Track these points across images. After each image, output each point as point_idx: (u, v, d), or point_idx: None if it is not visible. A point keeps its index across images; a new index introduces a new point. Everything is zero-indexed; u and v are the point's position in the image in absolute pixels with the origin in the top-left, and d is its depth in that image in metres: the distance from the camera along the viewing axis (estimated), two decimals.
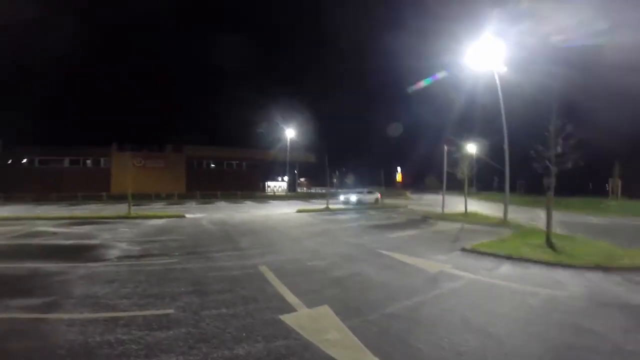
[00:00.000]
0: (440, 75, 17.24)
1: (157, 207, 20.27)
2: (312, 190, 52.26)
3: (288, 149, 41.25)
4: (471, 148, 19.48)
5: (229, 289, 4.63)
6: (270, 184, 53.17)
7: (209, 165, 45.59)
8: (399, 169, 60.38)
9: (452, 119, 28.88)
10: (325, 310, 3.83)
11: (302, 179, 58.62)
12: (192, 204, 24.59)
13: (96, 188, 33.31)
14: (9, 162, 36.85)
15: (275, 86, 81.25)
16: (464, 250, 7.47)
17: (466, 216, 15.27)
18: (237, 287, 4.73)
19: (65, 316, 3.48)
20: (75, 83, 70.76)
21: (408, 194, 43.25)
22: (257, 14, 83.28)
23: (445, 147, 17.50)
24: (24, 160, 38.27)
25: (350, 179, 59.70)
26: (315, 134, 44.42)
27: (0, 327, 3.26)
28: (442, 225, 12.82)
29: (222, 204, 25.43)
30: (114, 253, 6.92)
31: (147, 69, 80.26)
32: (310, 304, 4.03)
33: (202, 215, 15.59)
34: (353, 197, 24.51)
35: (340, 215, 16.36)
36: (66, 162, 38.68)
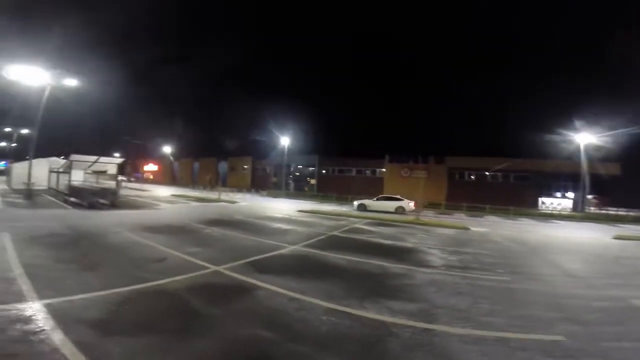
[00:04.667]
0: None
1: (431, 215, 21.15)
2: (610, 212, 38.30)
3: (582, 156, 32.20)
4: None
5: (616, 321, 3.96)
6: (545, 201, 43.88)
7: (470, 176, 43.70)
8: None
9: None
10: None
11: (590, 196, 44.71)
12: (461, 216, 24.07)
13: (373, 193, 39.64)
14: (322, 171, 51.16)
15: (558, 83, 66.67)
16: None
17: None
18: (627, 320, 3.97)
19: (453, 330, 3.62)
20: (357, 107, 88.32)
21: None
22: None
23: None
24: (324, 171, 51.70)
25: None
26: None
27: (400, 335, 3.49)
28: None
29: (494, 219, 23.25)
30: (435, 260, 7.36)
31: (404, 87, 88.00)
32: None
33: (485, 230, 14.65)
34: (355, 202, 23.39)
35: None
36: (353, 172, 48.89)
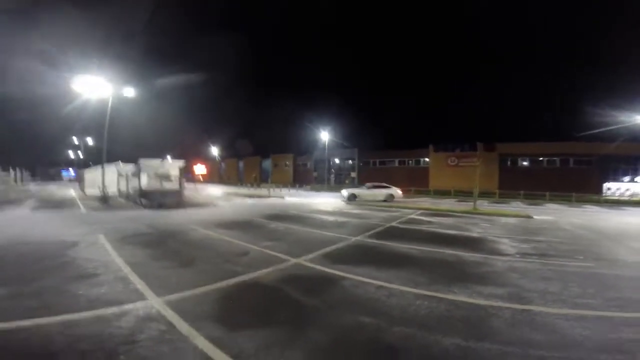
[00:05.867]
0: None
1: (486, 205, 20.39)
2: None
3: None
4: None
5: None
6: (611, 186, 40.15)
7: (523, 162, 41.19)
8: None
9: None
10: None
11: None
12: (518, 204, 22.92)
13: (417, 184, 39.01)
14: (361, 164, 50.97)
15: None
16: None
17: None
18: None
19: (551, 310, 3.70)
20: (393, 96, 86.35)
21: None
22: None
23: None
24: (362, 164, 51.44)
25: None
26: None
27: (500, 315, 3.69)
28: None
29: (556, 206, 21.85)
30: (508, 249, 7.25)
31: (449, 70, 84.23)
32: None
33: (550, 218, 13.91)
34: (345, 192, 21.81)
35: None
36: (395, 163, 48.11)
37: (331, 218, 12.41)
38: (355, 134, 58.34)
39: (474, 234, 9.23)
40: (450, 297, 4.16)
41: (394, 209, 16.60)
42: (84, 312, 3.56)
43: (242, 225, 10.22)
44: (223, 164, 72.11)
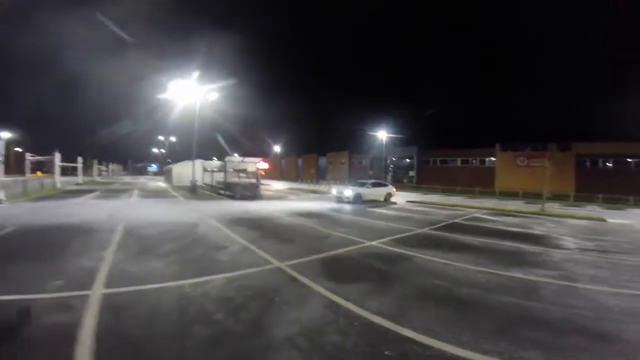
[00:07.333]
0: None
1: (556, 207, 19.60)
2: None
3: None
4: None
5: None
6: None
7: (605, 164, 37.30)
8: None
9: None
10: None
11: None
12: (595, 208, 21.45)
13: (482, 184, 37.66)
14: (421, 162, 50.42)
15: None
16: None
17: None
18: None
19: (594, 287, 4.52)
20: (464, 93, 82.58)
21: None
22: None
23: None
24: (423, 163, 50.68)
25: None
26: None
27: (548, 287, 4.72)
28: None
29: (639, 211, 20.11)
30: (569, 245, 7.76)
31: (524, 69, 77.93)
32: None
33: (627, 221, 13.36)
34: (348, 192, 17.83)
35: None
36: (458, 162, 46.74)
37: (393, 213, 13.40)
38: (414, 132, 57.56)
39: (538, 232, 9.66)
40: (506, 273, 5.13)
41: (458, 207, 17.00)
42: (235, 271, 4.80)
43: (316, 215, 11.74)
44: (283, 161, 76.06)
